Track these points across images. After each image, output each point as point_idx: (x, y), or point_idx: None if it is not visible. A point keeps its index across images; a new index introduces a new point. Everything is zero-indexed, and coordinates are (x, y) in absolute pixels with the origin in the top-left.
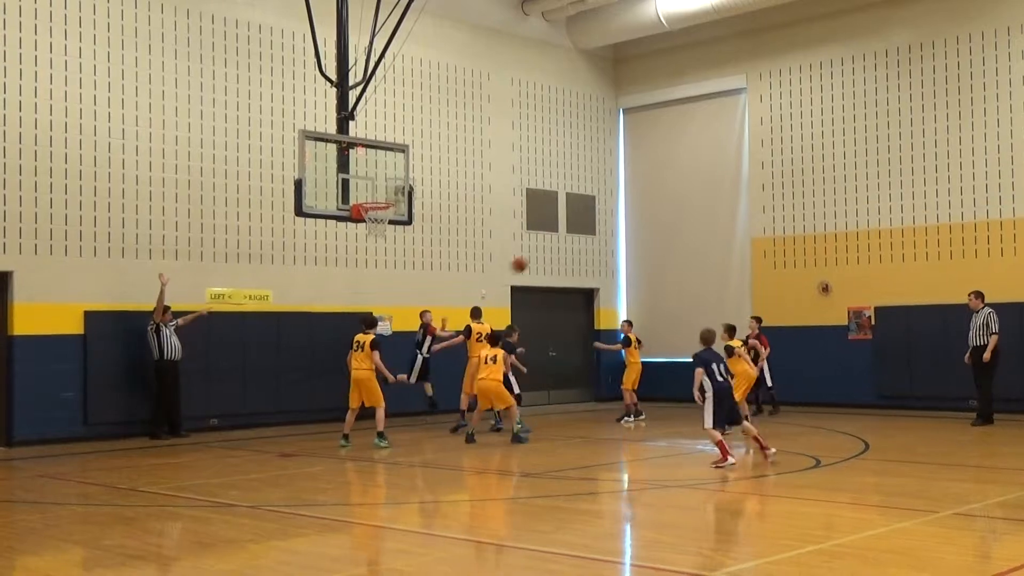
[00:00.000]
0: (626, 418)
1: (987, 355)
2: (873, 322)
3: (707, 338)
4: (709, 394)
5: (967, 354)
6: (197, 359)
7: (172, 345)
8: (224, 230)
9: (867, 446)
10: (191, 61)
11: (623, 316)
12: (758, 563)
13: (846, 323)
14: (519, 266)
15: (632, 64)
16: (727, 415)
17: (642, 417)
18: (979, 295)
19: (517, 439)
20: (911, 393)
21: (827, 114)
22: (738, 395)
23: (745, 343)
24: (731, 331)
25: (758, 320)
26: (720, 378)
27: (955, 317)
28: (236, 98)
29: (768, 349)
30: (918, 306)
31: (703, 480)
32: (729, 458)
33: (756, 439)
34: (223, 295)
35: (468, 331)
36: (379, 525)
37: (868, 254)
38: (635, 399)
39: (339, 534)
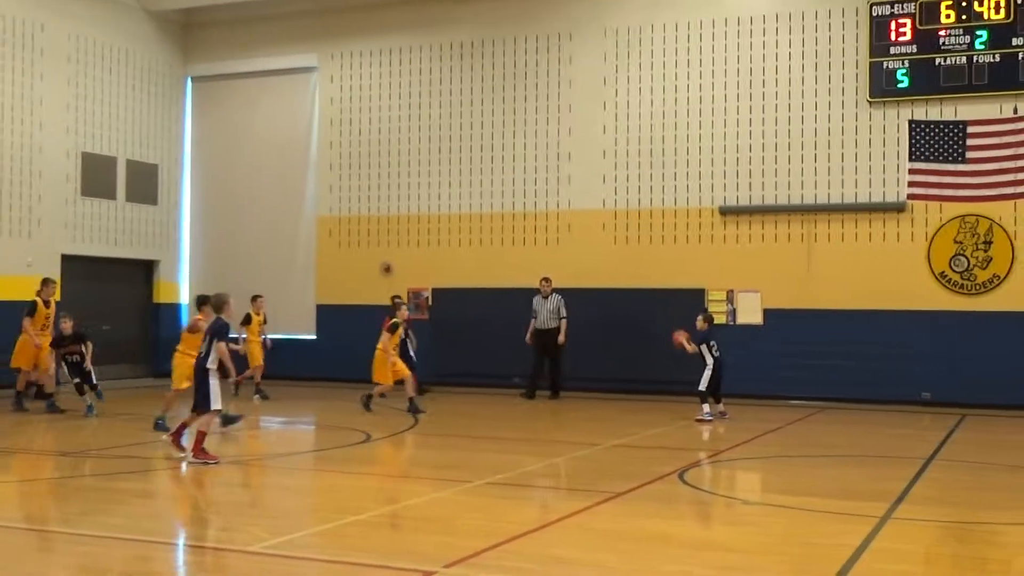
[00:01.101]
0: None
1: (562, 338)
2: (430, 303)
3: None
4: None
5: (529, 334)
6: None
7: None
8: None
9: (417, 421)
10: None
11: (185, 289)
12: (294, 536)
13: (406, 303)
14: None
15: (203, 32)
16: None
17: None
18: (548, 281)
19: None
20: (465, 371)
21: (395, 100)
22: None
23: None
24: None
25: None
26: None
27: (505, 300)
28: None
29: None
30: (472, 288)
31: (254, 456)
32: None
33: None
34: None
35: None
36: None
37: (428, 237)
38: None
39: None
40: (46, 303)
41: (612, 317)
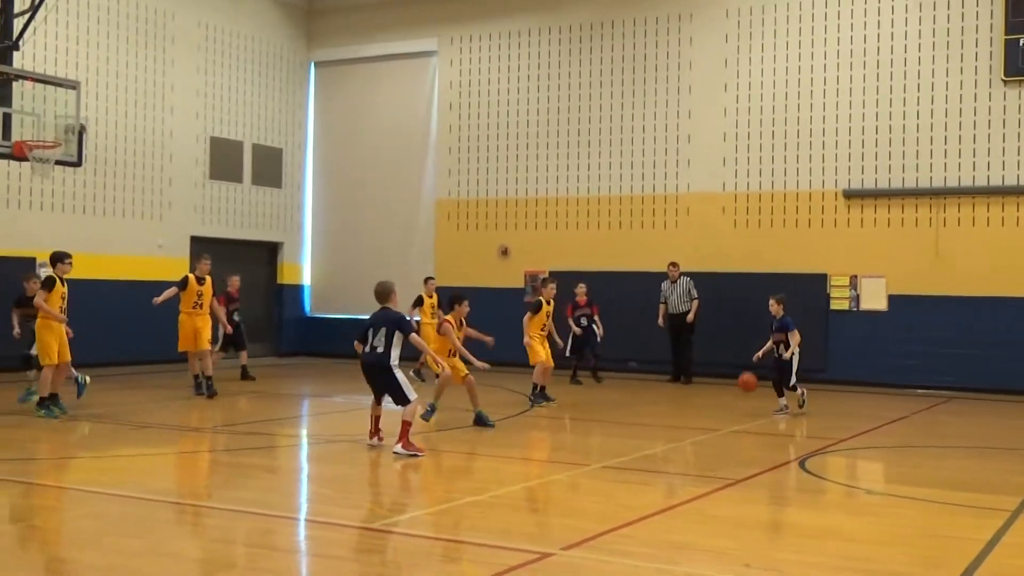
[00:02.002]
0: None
1: (691, 316)
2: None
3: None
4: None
5: (661, 319)
6: None
7: None
8: None
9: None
10: None
11: (308, 271)
12: (414, 515)
13: (523, 286)
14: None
15: (326, 18)
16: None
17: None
18: (676, 265)
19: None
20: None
21: (513, 83)
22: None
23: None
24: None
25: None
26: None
27: (623, 283)
28: None
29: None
30: (589, 272)
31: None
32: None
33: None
34: None
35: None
36: (27, 481)
37: (546, 220)
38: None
39: None
40: (199, 279)
41: (731, 302)
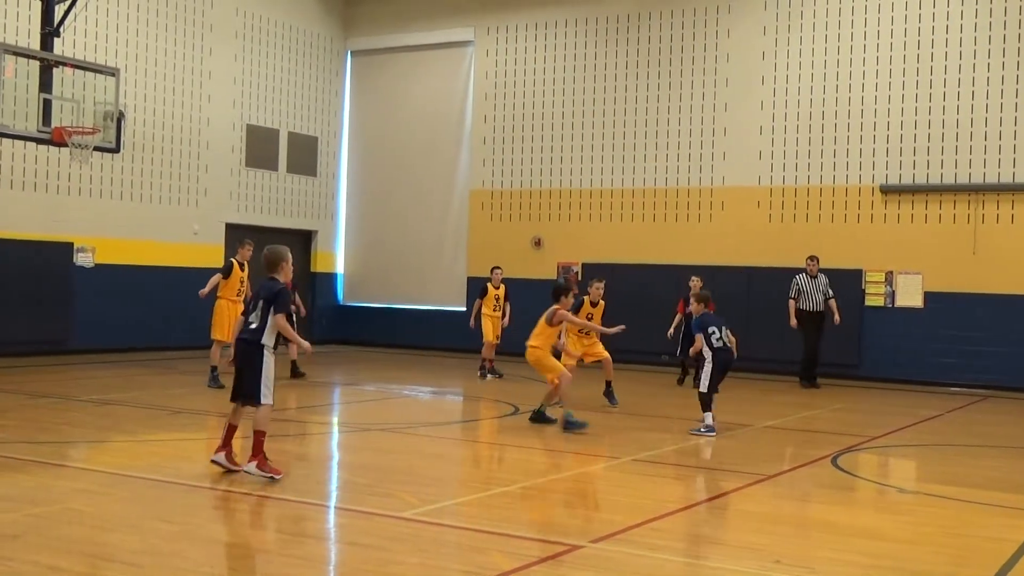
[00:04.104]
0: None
1: (837, 318)
2: (580, 277)
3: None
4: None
5: (792, 317)
6: None
7: None
8: None
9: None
10: None
11: (341, 259)
12: (445, 504)
13: (555, 277)
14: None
15: (363, 6)
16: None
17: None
18: (816, 259)
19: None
20: (613, 346)
21: (549, 74)
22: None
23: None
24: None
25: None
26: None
27: (656, 276)
28: None
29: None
30: (622, 264)
31: (403, 424)
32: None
33: None
34: None
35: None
36: (64, 464)
37: (579, 212)
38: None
39: (16, 472)
40: (242, 265)
41: (765, 296)
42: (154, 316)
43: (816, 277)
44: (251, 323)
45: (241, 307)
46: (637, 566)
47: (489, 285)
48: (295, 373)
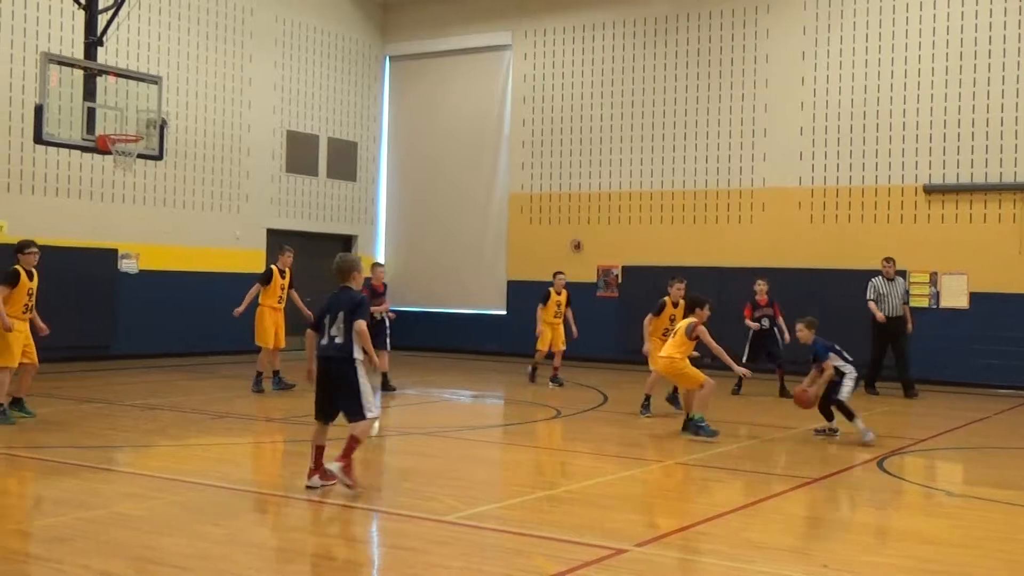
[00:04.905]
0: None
1: (910, 327)
2: (620, 281)
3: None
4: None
5: (879, 314)
6: None
7: None
8: None
9: (606, 399)
10: None
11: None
12: (487, 508)
13: (595, 280)
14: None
15: (401, 11)
16: None
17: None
18: (892, 261)
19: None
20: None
21: (587, 76)
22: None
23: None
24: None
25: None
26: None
27: (697, 279)
28: None
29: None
30: (663, 267)
31: (445, 428)
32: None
33: None
34: None
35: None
36: (111, 468)
37: (619, 215)
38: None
39: (65, 477)
40: (282, 272)
41: (807, 298)
42: (196, 321)
43: (893, 280)
44: (334, 337)
45: (282, 315)
46: (683, 570)
47: (551, 291)
48: (386, 387)
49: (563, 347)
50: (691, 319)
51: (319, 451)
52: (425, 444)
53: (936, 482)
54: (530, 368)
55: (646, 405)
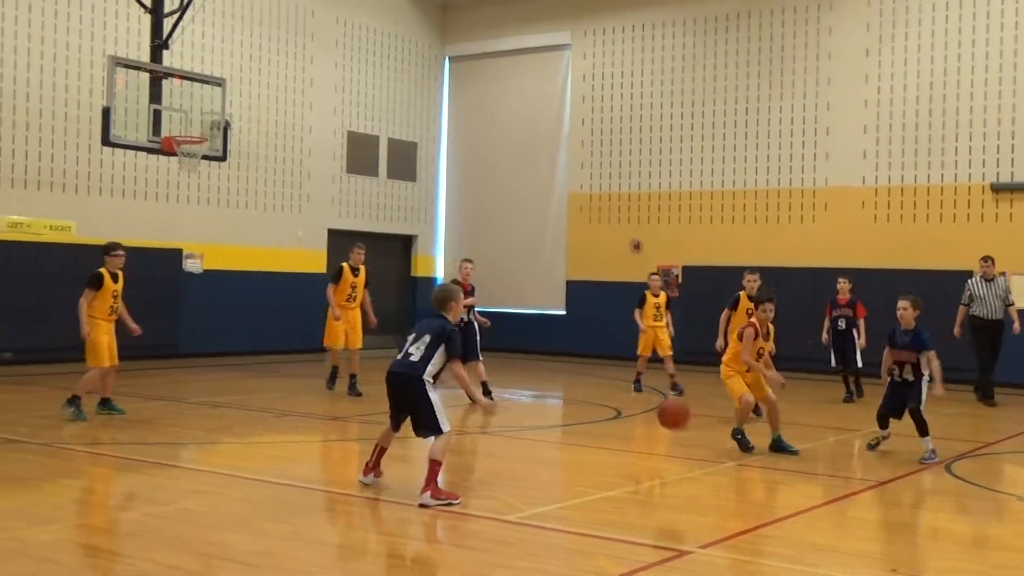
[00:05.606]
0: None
1: (1018, 326)
2: (680, 280)
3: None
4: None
5: (958, 325)
6: None
7: None
8: (24, 155)
9: (666, 399)
10: None
11: (441, 264)
12: (550, 508)
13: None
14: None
15: (460, 12)
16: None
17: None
18: (991, 260)
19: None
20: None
21: (647, 76)
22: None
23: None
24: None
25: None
26: None
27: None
28: (41, 17)
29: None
30: (723, 267)
31: (505, 428)
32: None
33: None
34: (21, 224)
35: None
36: (178, 465)
37: (679, 214)
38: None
39: (133, 473)
40: (354, 270)
41: (870, 300)
42: (259, 320)
43: (993, 280)
44: (411, 355)
45: (353, 315)
46: (747, 572)
47: (647, 293)
48: (487, 393)
49: (670, 352)
50: (752, 321)
51: (381, 451)
52: (486, 444)
53: (1005, 486)
54: (636, 377)
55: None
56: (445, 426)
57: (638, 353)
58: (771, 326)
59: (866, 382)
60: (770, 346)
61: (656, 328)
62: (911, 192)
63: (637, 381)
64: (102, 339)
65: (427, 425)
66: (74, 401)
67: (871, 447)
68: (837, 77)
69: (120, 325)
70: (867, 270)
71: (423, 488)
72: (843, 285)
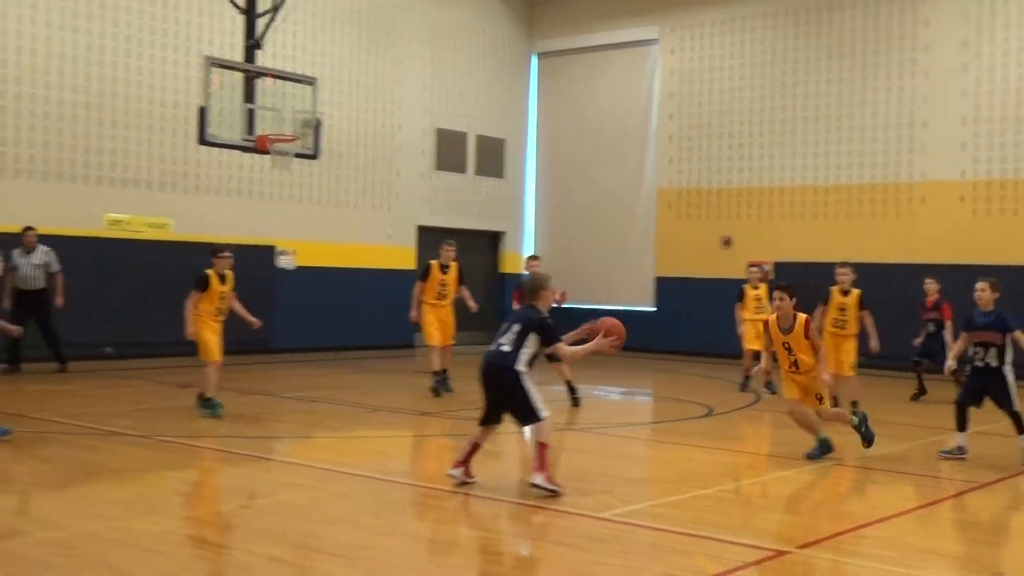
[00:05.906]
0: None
1: None
2: (772, 277)
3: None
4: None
5: None
6: (90, 286)
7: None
8: (124, 154)
9: (758, 397)
10: None
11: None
12: (643, 506)
13: (745, 277)
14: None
15: (547, 8)
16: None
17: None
18: None
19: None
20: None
21: (736, 70)
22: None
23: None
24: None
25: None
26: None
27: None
28: (139, 20)
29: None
30: (816, 263)
31: (596, 425)
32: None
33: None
34: (121, 221)
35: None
36: (274, 458)
37: (770, 210)
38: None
39: (233, 466)
40: (443, 267)
41: (968, 298)
42: (349, 316)
43: None
44: (501, 345)
45: (445, 312)
46: (848, 574)
47: (746, 287)
48: (574, 397)
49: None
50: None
51: (473, 448)
52: (577, 440)
53: None
54: (743, 377)
55: (855, 413)
56: (543, 412)
57: (745, 348)
58: (800, 316)
59: (937, 379)
60: (806, 342)
61: (755, 322)
62: (1012, 186)
63: (746, 379)
64: (210, 337)
65: (524, 414)
66: (206, 401)
67: (946, 455)
68: (934, 69)
69: (237, 321)
70: (965, 266)
71: (536, 469)
72: (930, 286)
